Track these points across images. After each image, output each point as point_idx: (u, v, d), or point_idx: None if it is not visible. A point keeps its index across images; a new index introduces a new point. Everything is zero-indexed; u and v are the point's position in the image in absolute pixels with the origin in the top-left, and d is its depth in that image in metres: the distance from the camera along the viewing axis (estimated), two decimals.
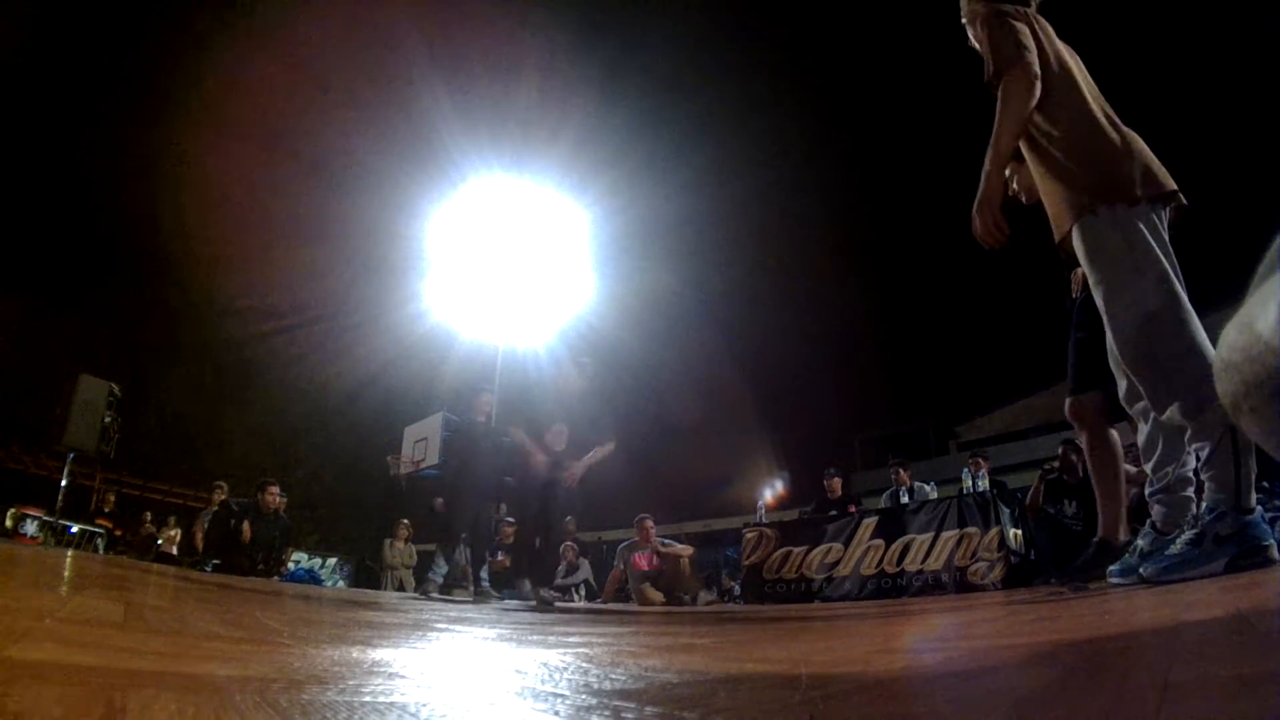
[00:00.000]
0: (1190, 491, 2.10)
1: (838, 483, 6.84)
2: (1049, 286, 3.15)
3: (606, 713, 0.49)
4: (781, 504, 17.15)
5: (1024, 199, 2.50)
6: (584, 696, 0.56)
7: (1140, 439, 2.20)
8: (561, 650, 1.02)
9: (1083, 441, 2.87)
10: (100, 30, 15.40)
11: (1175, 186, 2.00)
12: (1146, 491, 2.20)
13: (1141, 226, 1.92)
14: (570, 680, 0.66)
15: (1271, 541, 1.74)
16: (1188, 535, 1.85)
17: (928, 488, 6.66)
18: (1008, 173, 2.45)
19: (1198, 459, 1.87)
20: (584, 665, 0.79)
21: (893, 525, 5.58)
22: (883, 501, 6.49)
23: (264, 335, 16.78)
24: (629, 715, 0.48)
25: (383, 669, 0.71)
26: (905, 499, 6.27)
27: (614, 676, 0.69)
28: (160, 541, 9.12)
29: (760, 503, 7.43)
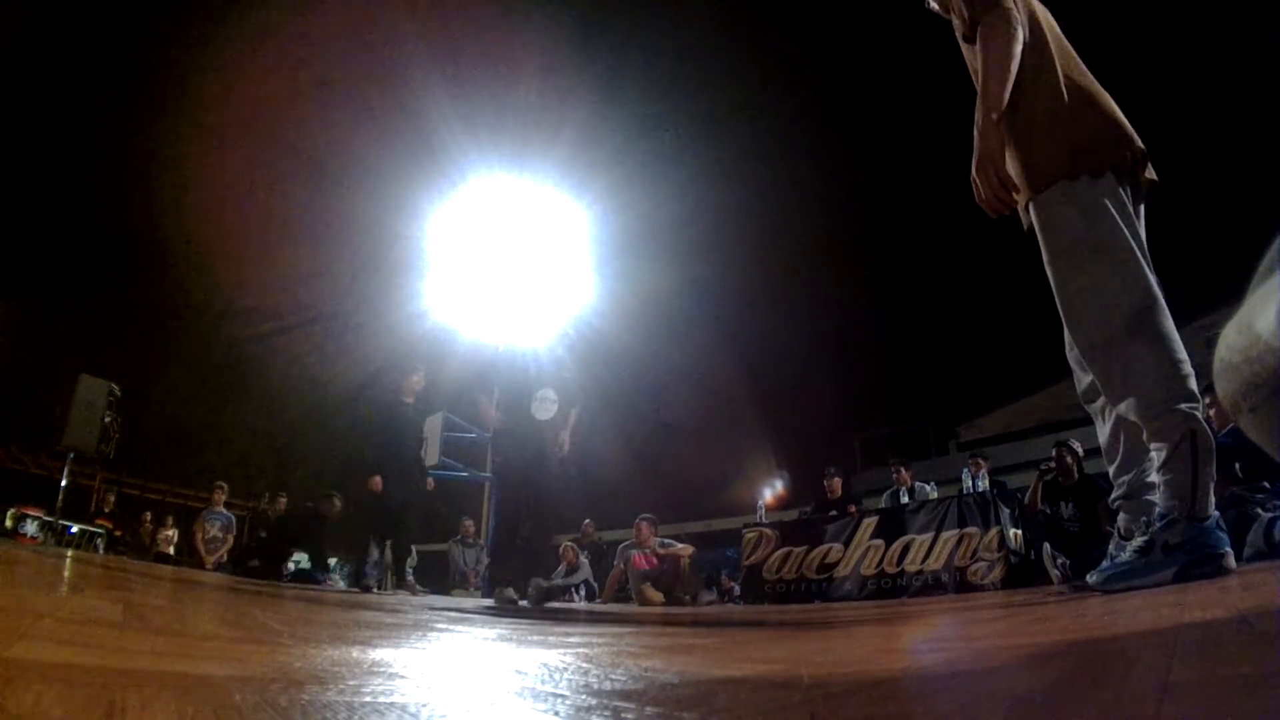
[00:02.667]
0: (1153, 495, 1.97)
1: (838, 483, 6.84)
2: (1049, 285, 3.15)
3: (606, 713, 0.49)
4: (781, 504, 17.14)
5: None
6: (584, 697, 0.56)
7: (1101, 440, 2.05)
8: (561, 650, 1.02)
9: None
10: (100, 30, 15.40)
11: (1142, 145, 1.84)
12: (1110, 496, 2.09)
13: (1107, 202, 1.76)
14: (570, 680, 0.66)
15: (1226, 550, 1.65)
16: (1136, 543, 1.75)
17: (928, 488, 6.66)
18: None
19: (1154, 460, 1.75)
20: (584, 665, 0.79)
21: (893, 525, 5.58)
22: (883, 501, 6.49)
23: (264, 335, 16.77)
24: (629, 715, 0.48)
25: (383, 669, 0.71)
26: (905, 499, 6.27)
27: (614, 677, 0.69)
28: (158, 542, 9.10)
29: (760, 503, 7.42)
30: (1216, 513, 1.70)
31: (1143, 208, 1.93)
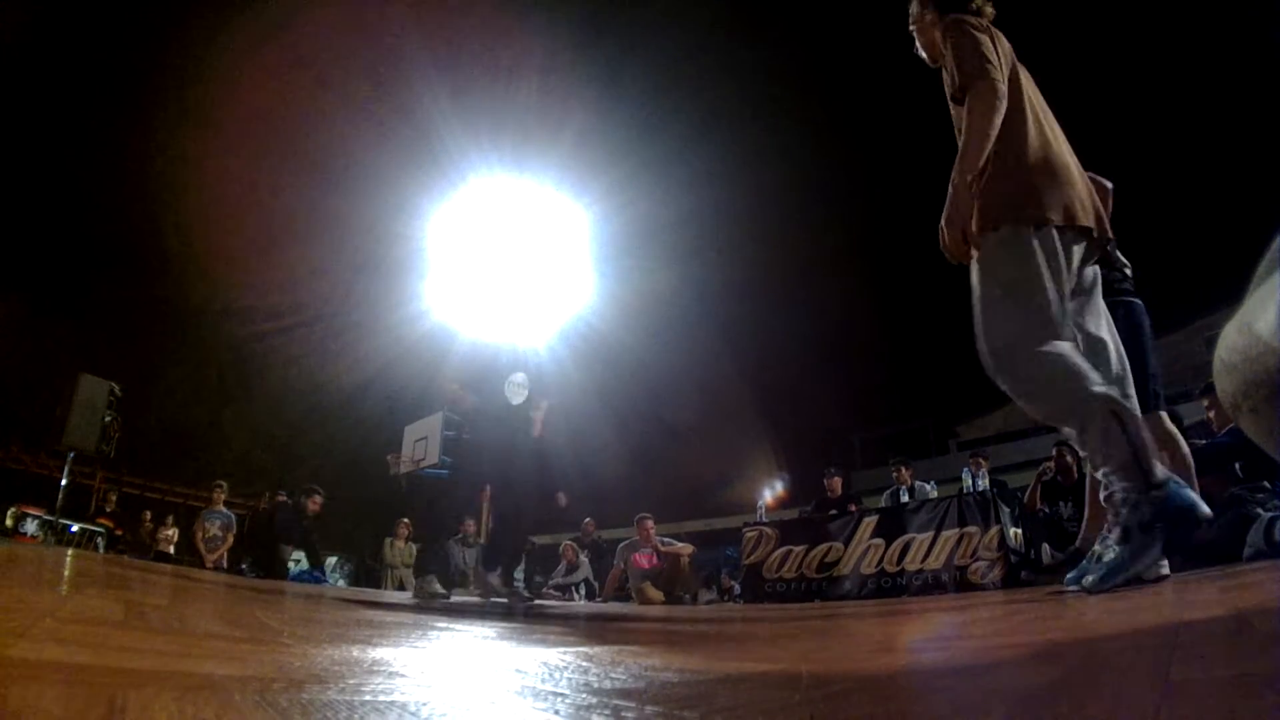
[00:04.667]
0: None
1: (838, 482, 6.84)
2: None
3: (606, 712, 0.49)
4: (781, 504, 17.14)
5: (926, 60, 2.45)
6: (584, 695, 0.56)
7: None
8: (561, 650, 1.02)
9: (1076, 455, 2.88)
10: (100, 29, 15.39)
11: (1090, 224, 1.99)
12: (1101, 496, 2.16)
13: (1038, 248, 1.90)
14: (570, 679, 0.66)
15: (1195, 502, 1.67)
16: (1114, 536, 1.78)
17: (928, 487, 6.66)
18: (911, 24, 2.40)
19: (1094, 465, 1.81)
20: (584, 664, 0.79)
21: (893, 524, 5.58)
22: (883, 500, 6.49)
23: (264, 335, 16.77)
24: (629, 715, 0.48)
25: (383, 668, 0.71)
26: (905, 498, 6.27)
27: (614, 676, 0.69)
28: (158, 541, 9.11)
29: (760, 502, 7.43)
30: (1169, 474, 1.73)
31: (1092, 268, 2.10)
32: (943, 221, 2.03)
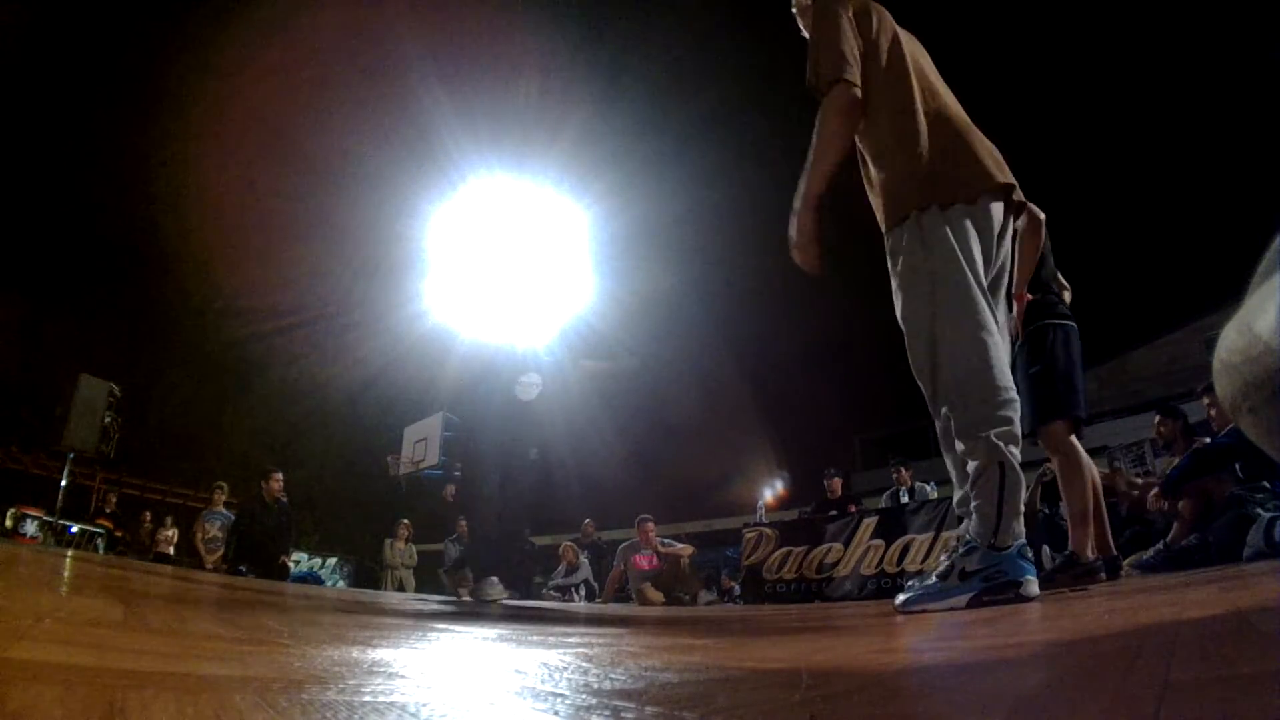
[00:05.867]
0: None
1: (838, 483, 6.85)
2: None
3: (606, 712, 0.49)
4: (781, 504, 17.14)
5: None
6: (584, 696, 0.56)
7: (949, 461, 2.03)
8: (561, 650, 1.02)
9: (1054, 466, 2.87)
10: (100, 29, 15.40)
11: (1005, 179, 1.87)
12: (957, 512, 2.06)
13: (948, 231, 1.80)
14: (570, 680, 0.66)
15: (1027, 578, 1.66)
16: (941, 567, 1.79)
17: (928, 487, 6.66)
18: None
19: (964, 486, 1.77)
20: (584, 665, 0.79)
21: (893, 525, 5.58)
22: (883, 501, 6.50)
23: (264, 335, 16.78)
24: (629, 715, 0.48)
25: (383, 669, 0.71)
26: (905, 499, 6.27)
27: (614, 676, 0.69)
28: (158, 542, 9.10)
29: (760, 503, 7.44)
30: (1022, 540, 1.70)
31: (1011, 226, 1.97)
32: (792, 247, 1.94)
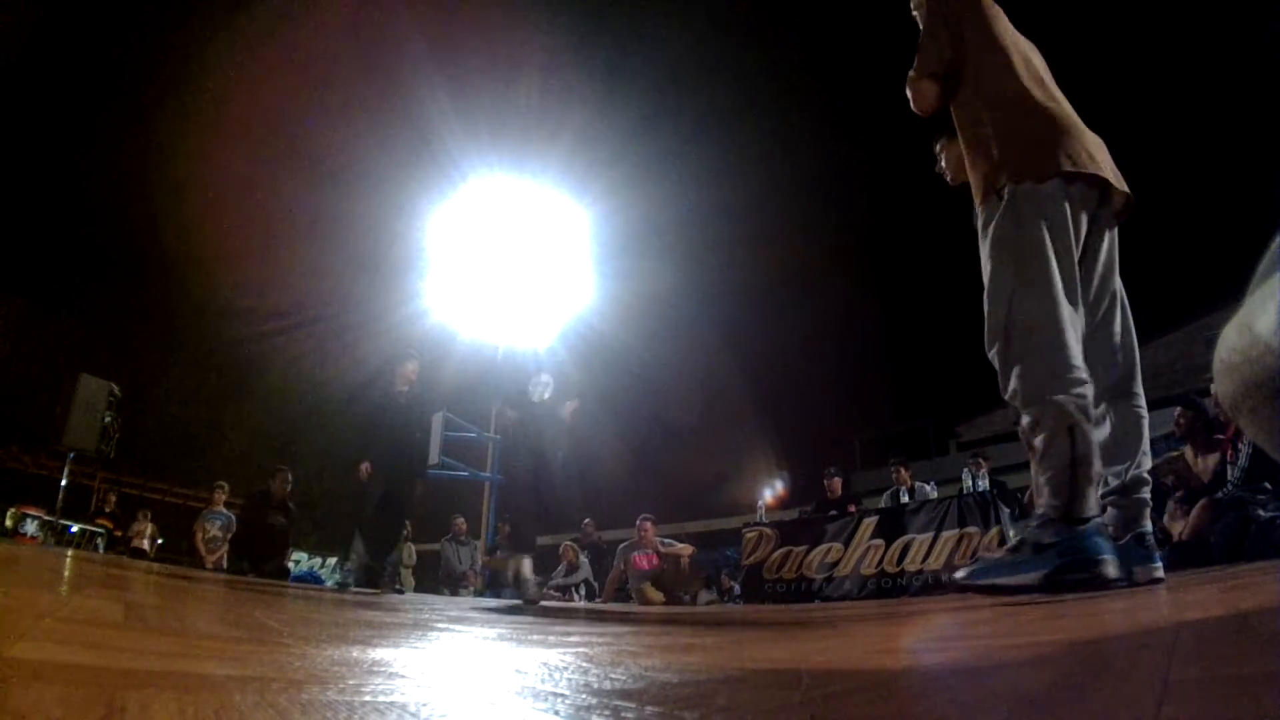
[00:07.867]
0: (1146, 493, 1.86)
1: (838, 483, 6.84)
2: None
3: (606, 712, 0.49)
4: (781, 504, 17.13)
5: (949, 179, 2.43)
6: (584, 696, 0.56)
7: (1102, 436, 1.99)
8: (561, 650, 1.02)
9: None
10: (100, 29, 15.40)
11: (1094, 170, 1.86)
12: (1100, 493, 2.02)
13: (1037, 208, 1.81)
14: (570, 680, 0.66)
15: (1106, 557, 1.54)
16: (1012, 541, 1.70)
17: (928, 488, 6.66)
18: (937, 149, 2.46)
19: (1035, 462, 1.71)
20: (584, 665, 0.79)
21: (893, 525, 5.58)
22: (883, 501, 6.49)
23: (264, 335, 16.78)
24: (629, 715, 0.48)
25: (383, 669, 0.71)
26: (905, 499, 6.27)
27: (614, 676, 0.69)
28: (130, 537, 8.97)
29: (760, 503, 7.43)
30: (1101, 517, 1.62)
31: (1103, 214, 1.95)
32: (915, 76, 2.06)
